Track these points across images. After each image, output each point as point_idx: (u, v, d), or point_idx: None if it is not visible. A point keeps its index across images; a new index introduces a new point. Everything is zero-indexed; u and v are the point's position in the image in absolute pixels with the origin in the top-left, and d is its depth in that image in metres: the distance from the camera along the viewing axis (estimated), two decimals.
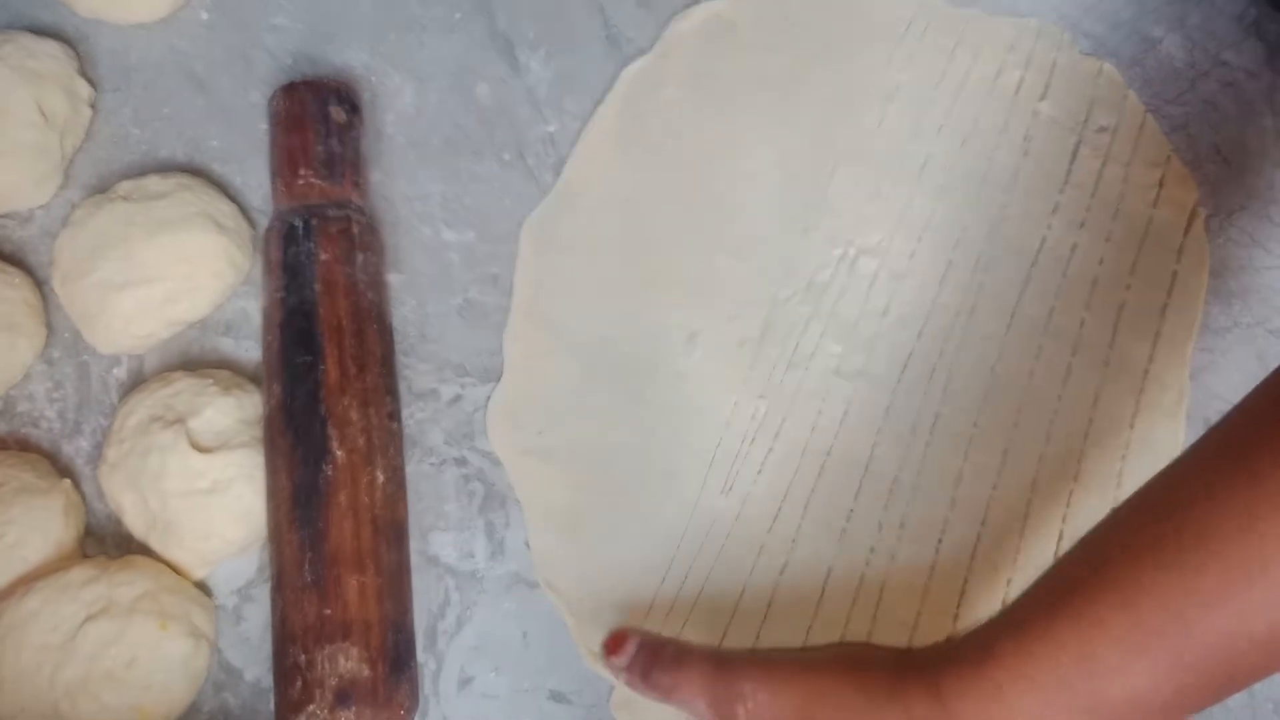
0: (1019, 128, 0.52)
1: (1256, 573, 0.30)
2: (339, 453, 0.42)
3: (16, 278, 0.48)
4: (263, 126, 0.50)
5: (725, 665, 0.39)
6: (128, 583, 0.42)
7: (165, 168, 0.51)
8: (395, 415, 0.45)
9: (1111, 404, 0.47)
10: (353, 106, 0.50)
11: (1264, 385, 0.33)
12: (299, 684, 0.40)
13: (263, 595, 0.45)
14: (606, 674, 0.44)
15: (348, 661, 0.40)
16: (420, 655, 0.44)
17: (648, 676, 0.40)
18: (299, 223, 0.46)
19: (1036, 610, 0.34)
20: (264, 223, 0.50)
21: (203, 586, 0.45)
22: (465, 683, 0.44)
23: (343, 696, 0.40)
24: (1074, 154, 0.52)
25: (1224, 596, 0.31)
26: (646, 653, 0.41)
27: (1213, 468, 0.33)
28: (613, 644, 0.42)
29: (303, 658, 0.40)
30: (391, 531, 0.43)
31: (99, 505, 0.46)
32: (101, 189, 0.49)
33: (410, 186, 0.52)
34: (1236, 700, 0.44)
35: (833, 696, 0.36)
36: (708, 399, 0.48)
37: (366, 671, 0.40)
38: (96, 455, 0.46)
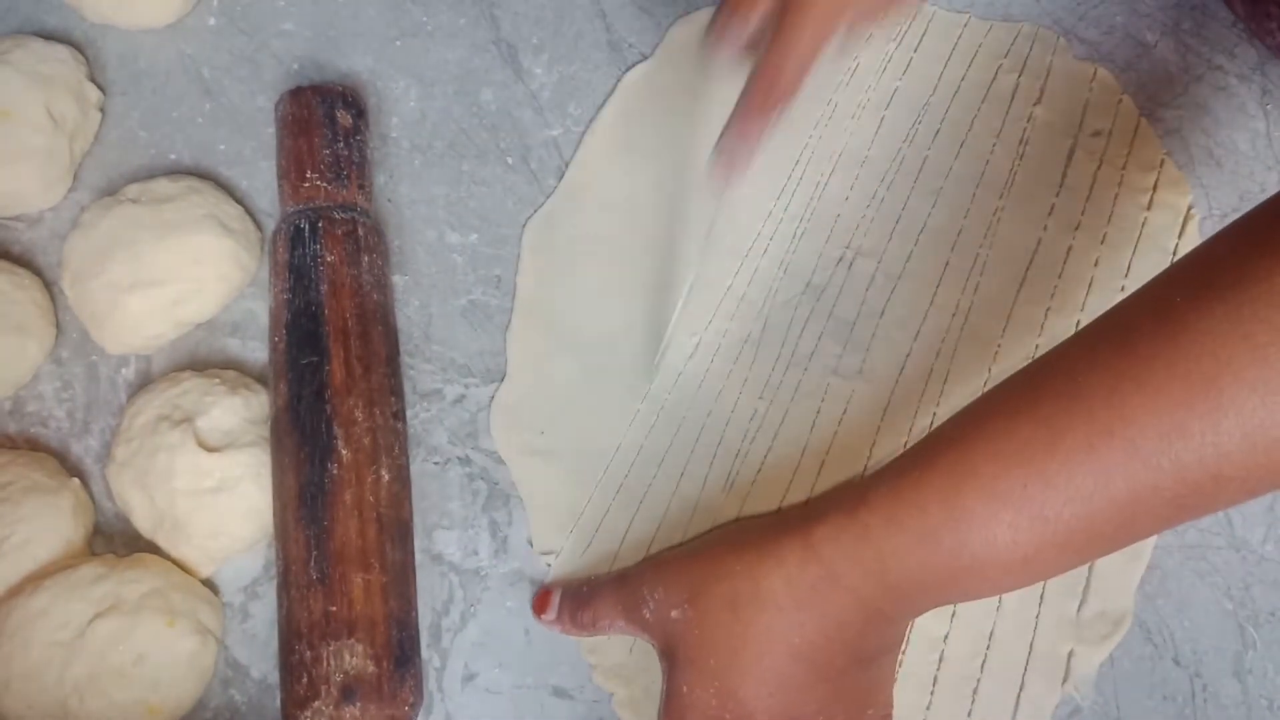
0: (1014, 131, 0.52)
1: (1118, 431, 0.31)
2: (344, 452, 0.43)
3: (26, 279, 0.48)
4: (269, 130, 0.51)
5: (627, 579, 0.41)
6: (136, 580, 0.42)
7: (173, 171, 0.51)
8: (400, 415, 0.46)
9: None
10: (358, 111, 0.50)
11: (1153, 280, 0.35)
12: (305, 680, 0.40)
13: (269, 593, 0.45)
14: (605, 686, 0.44)
15: (353, 658, 0.40)
16: (425, 652, 0.44)
17: (573, 618, 0.43)
18: (305, 225, 0.46)
19: (913, 462, 0.36)
20: (271, 225, 0.50)
21: (210, 584, 0.45)
22: (469, 679, 0.44)
23: (348, 692, 0.40)
24: (1069, 157, 0.52)
25: (1087, 454, 0.32)
26: (567, 600, 0.43)
27: (1090, 339, 0.34)
28: (539, 603, 0.44)
29: (308, 654, 0.40)
30: (396, 530, 0.43)
31: (107, 504, 0.46)
32: (110, 192, 0.50)
33: (415, 189, 0.52)
34: (1231, 697, 0.44)
35: (717, 569, 0.38)
36: (708, 398, 0.48)
37: (371, 668, 0.40)
38: (105, 454, 0.46)
